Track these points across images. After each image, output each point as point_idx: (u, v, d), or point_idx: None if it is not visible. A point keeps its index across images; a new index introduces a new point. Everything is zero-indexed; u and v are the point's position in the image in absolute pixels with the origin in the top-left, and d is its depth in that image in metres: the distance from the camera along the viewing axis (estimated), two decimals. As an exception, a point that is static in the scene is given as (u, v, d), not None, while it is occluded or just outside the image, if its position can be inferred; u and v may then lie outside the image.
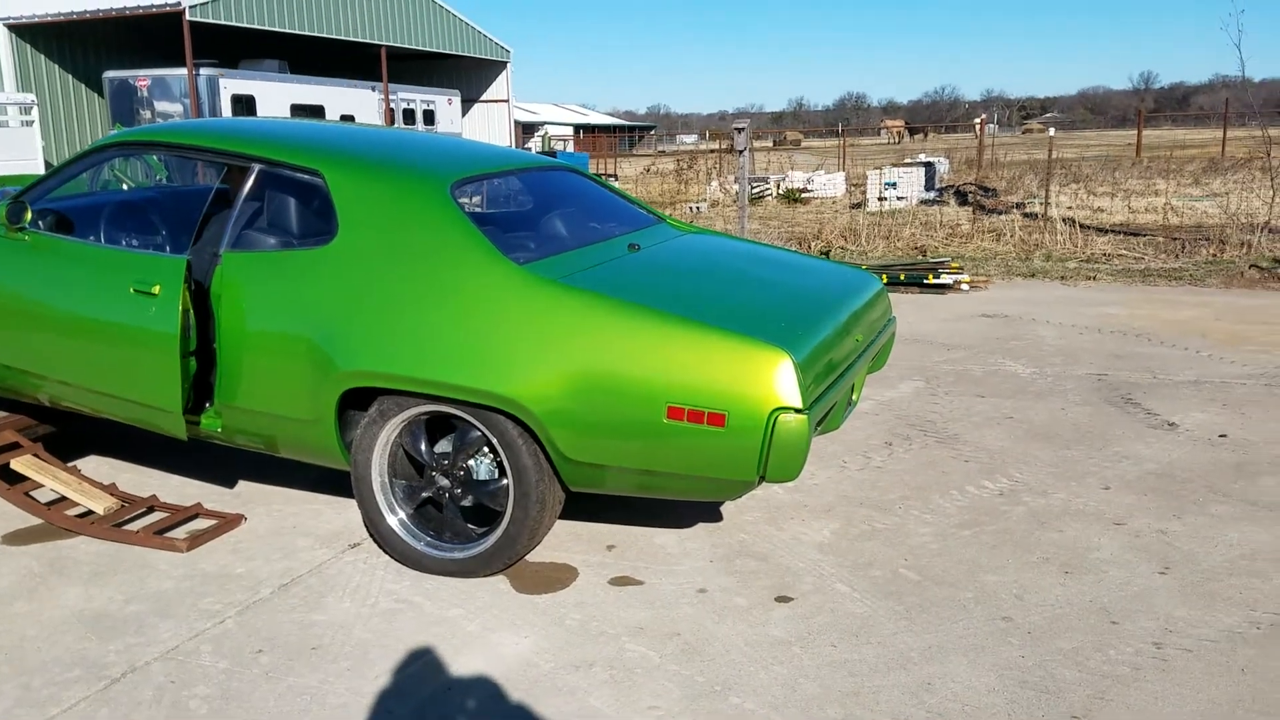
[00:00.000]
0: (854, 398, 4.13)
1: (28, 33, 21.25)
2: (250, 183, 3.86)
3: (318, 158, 3.77)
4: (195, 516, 4.17)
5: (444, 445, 3.61)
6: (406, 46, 26.68)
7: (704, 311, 3.38)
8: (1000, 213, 15.65)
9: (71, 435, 4.88)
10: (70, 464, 4.56)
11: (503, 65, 31.31)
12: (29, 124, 15.80)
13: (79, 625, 3.30)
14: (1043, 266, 11.04)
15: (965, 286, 9.85)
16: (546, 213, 4.34)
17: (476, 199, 5.90)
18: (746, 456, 3.19)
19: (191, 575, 3.67)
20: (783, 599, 3.46)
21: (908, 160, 23.06)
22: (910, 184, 19.03)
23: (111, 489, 4.27)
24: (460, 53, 29.09)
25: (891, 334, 4.59)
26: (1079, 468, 4.68)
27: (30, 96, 16.70)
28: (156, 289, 3.68)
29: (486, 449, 3.54)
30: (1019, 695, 2.84)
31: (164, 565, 3.75)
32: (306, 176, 3.78)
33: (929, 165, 20.57)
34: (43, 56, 21.64)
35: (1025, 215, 14.88)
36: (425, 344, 3.39)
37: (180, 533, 3.99)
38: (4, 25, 20.81)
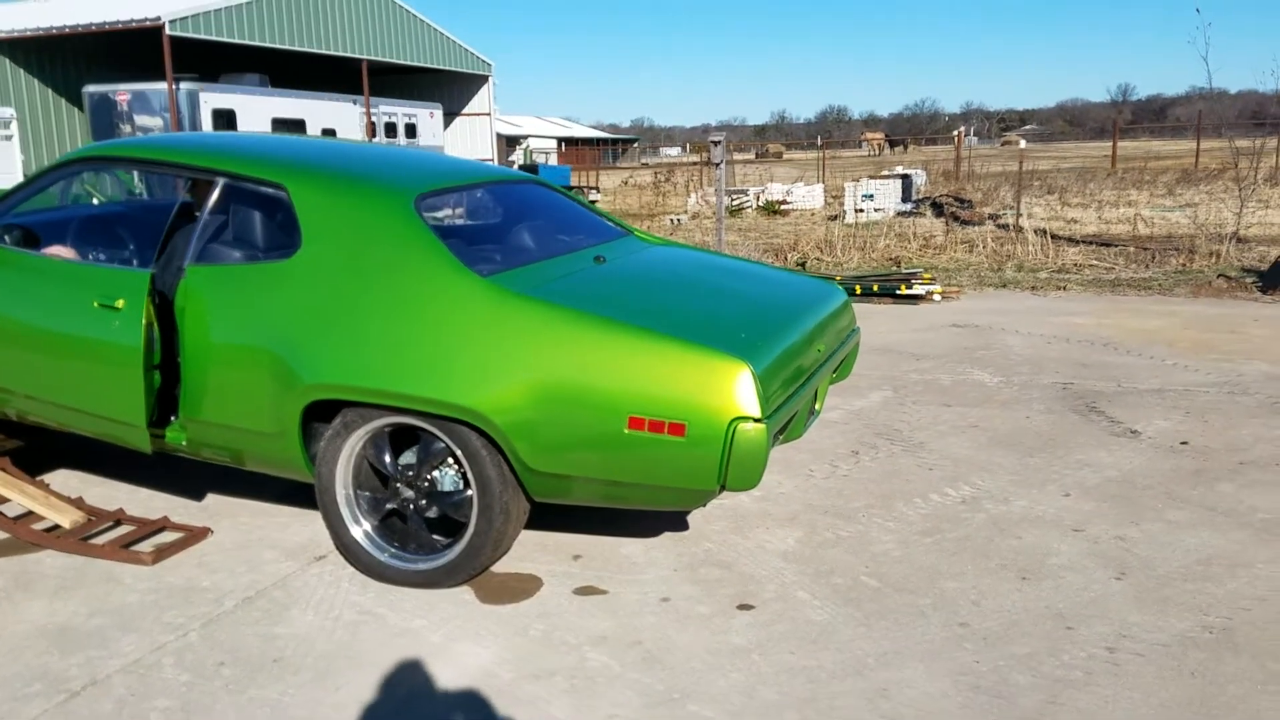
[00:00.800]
0: (817, 407, 4.18)
1: (7, 47, 21.18)
2: (215, 196, 3.88)
3: (281, 171, 3.79)
4: (162, 530, 4.17)
5: (409, 457, 3.63)
6: (388, 60, 26.72)
7: (665, 322, 3.42)
8: (975, 224, 15.79)
9: (40, 449, 4.87)
10: (38, 478, 4.55)
11: (484, 79, 31.38)
12: (8, 139, 15.77)
13: (41, 640, 3.30)
14: (1014, 277, 11.15)
15: (937, 297, 9.94)
16: (514, 225, 4.38)
17: (457, 211, 5.93)
18: (707, 466, 3.23)
19: (157, 589, 3.68)
20: (745, 607, 3.50)
21: (885, 172, 23.23)
22: (887, 196, 19.19)
23: (78, 503, 4.27)
24: (442, 66, 29.15)
25: (856, 344, 4.64)
26: (1040, 475, 4.74)
27: (10, 111, 16.66)
28: (120, 303, 3.70)
29: (451, 460, 3.56)
30: (972, 700, 2.89)
31: (129, 579, 3.75)
32: (270, 190, 3.80)
33: (906, 177, 20.74)
34: (22, 71, 21.57)
35: (999, 226, 15.02)
36: (389, 356, 3.41)
37: (147, 546, 3.99)
38: (-15, 40, 20.75)
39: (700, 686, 3.00)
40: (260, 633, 3.35)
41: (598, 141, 64.33)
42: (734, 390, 3.20)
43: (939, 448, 5.22)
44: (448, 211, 5.42)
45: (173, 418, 3.91)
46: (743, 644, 3.24)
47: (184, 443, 3.88)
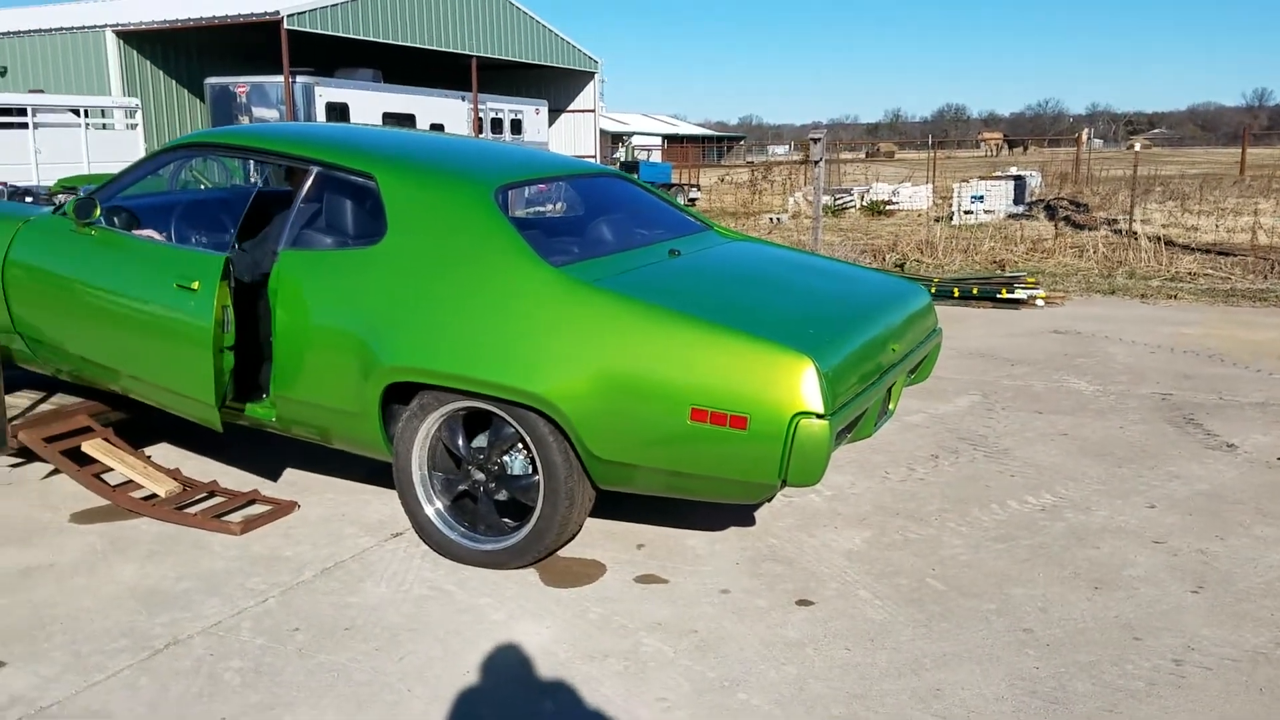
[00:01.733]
0: (890, 407, 4.14)
1: (135, 39, 22.31)
2: (308, 184, 4.05)
3: (371, 161, 3.94)
4: (252, 502, 4.37)
5: (481, 440, 3.74)
6: (497, 57, 27.22)
7: (732, 316, 3.45)
8: (1089, 229, 15.30)
9: (143, 423, 5.15)
10: (140, 449, 4.82)
11: (590, 75, 31.69)
12: (133, 127, 16.60)
13: (131, 599, 3.51)
14: (1124, 284, 10.77)
15: (1040, 302, 9.67)
16: (592, 218, 4.45)
17: (540, 202, 6.06)
18: (768, 460, 3.25)
19: (242, 557, 3.87)
20: (804, 602, 3.50)
21: (997, 173, 22.66)
22: (998, 198, 18.71)
23: (175, 474, 4.51)
24: (549, 63, 29.54)
25: (936, 346, 4.57)
26: (1127, 486, 4.60)
27: (134, 100, 17.54)
28: (195, 285, 3.88)
29: (520, 445, 3.65)
30: (1026, 704, 2.84)
31: (218, 547, 3.95)
32: (360, 179, 3.95)
33: (1019, 179, 20.19)
34: (148, 62, 22.70)
35: (1113, 231, 14.52)
36: (463, 341, 3.52)
37: (236, 517, 4.19)
38: (113, 32, 21.89)
39: (751, 676, 3.02)
40: (334, 602, 3.49)
41: (703, 139, 64.30)
42: (797, 385, 3.20)
43: (1024, 455, 5.11)
44: (536, 203, 5.55)
45: (264, 395, 4.10)
46: (797, 638, 3.25)
47: (274, 419, 4.06)
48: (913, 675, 3.02)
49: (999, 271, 11.59)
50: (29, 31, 22.99)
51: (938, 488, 4.64)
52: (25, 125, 14.62)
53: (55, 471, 4.64)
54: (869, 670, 3.05)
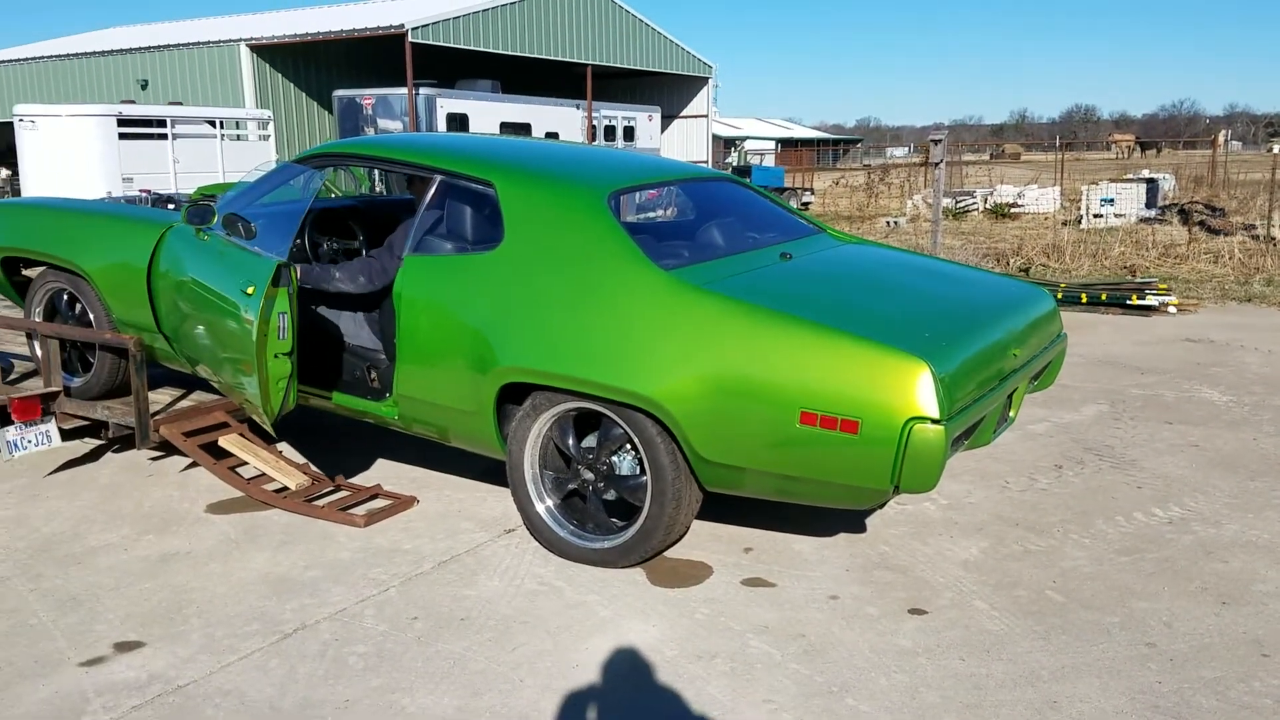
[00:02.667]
0: (1010, 414, 4.04)
1: (267, 52, 23.31)
2: (431, 192, 4.19)
3: (491, 169, 4.05)
4: (374, 497, 4.54)
5: (590, 440, 3.81)
6: (611, 65, 27.50)
7: (844, 319, 3.42)
8: (1225, 234, 14.58)
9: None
10: (272, 444, 5.05)
11: (704, 81, 31.70)
12: (265, 138, 17.32)
13: (263, 585, 3.69)
14: (1261, 291, 10.24)
15: (1172, 309, 9.28)
16: (704, 222, 4.48)
17: (653, 208, 6.11)
18: (880, 465, 3.21)
19: (366, 548, 4.02)
20: (916, 611, 3.45)
21: (1128, 176, 21.80)
22: (1129, 201, 18.00)
23: (305, 468, 4.72)
24: (663, 69, 29.69)
25: (1060, 352, 4.45)
26: (1260, 500, 4.39)
27: (267, 112, 18.31)
28: (250, 290, 3.94)
29: (629, 446, 3.70)
30: (1148, 719, 2.75)
31: (343, 538, 4.12)
32: (480, 186, 4.07)
33: (1151, 181, 19.39)
34: (279, 75, 23.68)
35: (1251, 237, 13.82)
36: (574, 343, 3.59)
37: (360, 510, 4.36)
38: (247, 45, 22.91)
39: (861, 683, 3.00)
40: (451, 593, 3.60)
41: (818, 143, 63.62)
42: (912, 390, 3.17)
43: (1152, 466, 4.92)
44: (647, 209, 5.60)
45: (387, 394, 4.25)
46: (909, 646, 3.21)
47: (397, 417, 4.21)
48: (1029, 687, 2.95)
49: (1129, 277, 11.15)
50: (168, 46, 24.27)
51: (1060, 498, 4.51)
52: (165, 136, 15.44)
53: (193, 464, 4.90)
54: (984, 681, 2.99)
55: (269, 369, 3.94)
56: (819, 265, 4.15)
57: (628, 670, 3.08)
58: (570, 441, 3.78)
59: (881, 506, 4.35)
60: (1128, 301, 9.33)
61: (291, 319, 3.95)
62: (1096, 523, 4.21)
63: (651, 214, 6.36)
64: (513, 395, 3.87)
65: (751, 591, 3.61)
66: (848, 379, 3.22)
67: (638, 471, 3.69)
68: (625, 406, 3.55)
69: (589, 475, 3.77)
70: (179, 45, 24.13)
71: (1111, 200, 17.94)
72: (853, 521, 4.23)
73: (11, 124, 15.61)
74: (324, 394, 4.44)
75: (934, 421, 3.15)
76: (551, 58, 25.40)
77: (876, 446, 3.19)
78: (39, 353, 4.87)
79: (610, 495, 3.77)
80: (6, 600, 3.58)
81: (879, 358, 3.22)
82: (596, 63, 26.64)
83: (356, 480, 4.77)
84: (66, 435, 4.80)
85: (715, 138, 35.06)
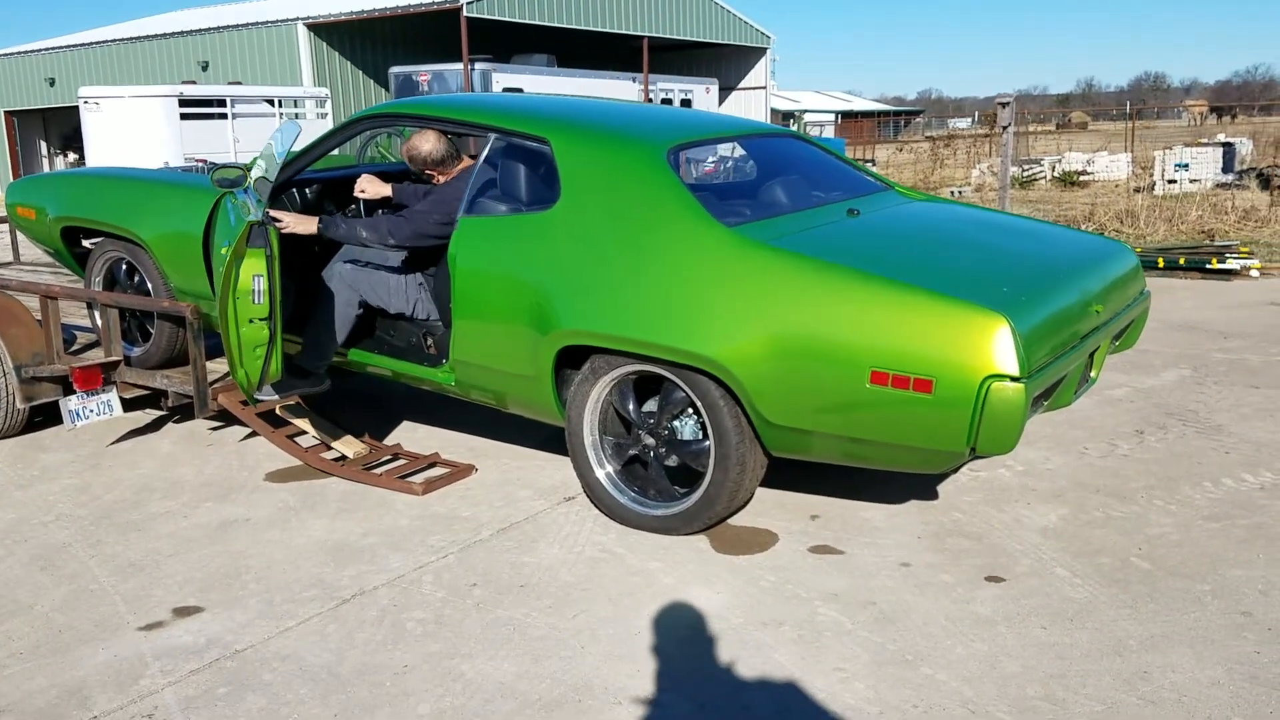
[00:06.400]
0: (1092, 374, 3.85)
1: (324, 31, 23.45)
2: (485, 151, 4.09)
3: (545, 126, 3.93)
4: (432, 465, 4.48)
5: (651, 405, 3.69)
6: (668, 36, 27.21)
7: (916, 274, 3.26)
8: (1309, 196, 13.96)
9: (334, 388, 5.36)
10: (330, 413, 5.02)
11: (762, 52, 31.26)
12: (323, 116, 17.44)
13: (321, 553, 3.65)
14: (1353, 252, 9.77)
15: (1255, 273, 8.89)
16: (767, 178, 4.32)
17: (712, 164, 5.95)
18: (955, 426, 3.05)
19: (424, 515, 3.96)
20: (993, 579, 3.29)
21: (1203, 140, 21.03)
22: (1205, 166, 17.34)
23: (362, 437, 4.67)
24: (720, 40, 29.31)
25: (1144, 310, 4.22)
26: (1363, 465, 4.13)
27: (324, 90, 18.43)
28: (224, 250, 3.77)
29: (690, 410, 3.58)
30: (1246, 690, 2.57)
31: (401, 505, 4.06)
32: (535, 144, 3.95)
33: (1228, 146, 18.65)
34: (336, 53, 23.82)
35: (1338, 197, 13.21)
36: (633, 304, 3.47)
37: (418, 478, 4.30)
38: (304, 24, 23.06)
39: (937, 652, 2.85)
40: (510, 560, 3.52)
41: (878, 115, 62.49)
42: (990, 346, 3.00)
43: (1239, 431, 4.68)
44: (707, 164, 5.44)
45: (443, 360, 4.17)
46: (987, 614, 3.05)
47: (453, 383, 4.13)
48: (1116, 657, 2.78)
49: (1207, 242, 10.72)
50: (228, 27, 24.54)
51: (1143, 464, 4.30)
52: (225, 115, 15.61)
53: (252, 433, 4.89)
54: (1068, 650, 2.83)
55: (242, 334, 3.75)
56: (888, 221, 3.98)
57: (692, 637, 2.98)
58: (630, 406, 3.67)
59: (955, 471, 4.18)
60: (1207, 265, 8.96)
61: (269, 281, 3.74)
62: (1183, 489, 4.00)
63: (688, 167, 6.14)
64: (571, 359, 3.77)
65: (819, 559, 3.47)
66: (921, 336, 3.06)
67: (700, 436, 3.57)
68: (687, 369, 3.42)
69: (650, 440, 3.66)
70: (238, 26, 24.38)
71: (1186, 165, 17.30)
72: (924, 488, 4.07)
73: (78, 107, 15.89)
74: (381, 361, 4.38)
75: (1013, 379, 2.98)
76: (607, 30, 25.21)
77: (952, 407, 3.03)
78: (99, 322, 4.88)
79: (672, 461, 3.65)
80: (67, 566, 3.58)
81: (954, 313, 3.05)
82: (653, 34, 26.38)
83: (415, 449, 4.71)
84: (128, 405, 4.81)
85: (773, 111, 34.59)
